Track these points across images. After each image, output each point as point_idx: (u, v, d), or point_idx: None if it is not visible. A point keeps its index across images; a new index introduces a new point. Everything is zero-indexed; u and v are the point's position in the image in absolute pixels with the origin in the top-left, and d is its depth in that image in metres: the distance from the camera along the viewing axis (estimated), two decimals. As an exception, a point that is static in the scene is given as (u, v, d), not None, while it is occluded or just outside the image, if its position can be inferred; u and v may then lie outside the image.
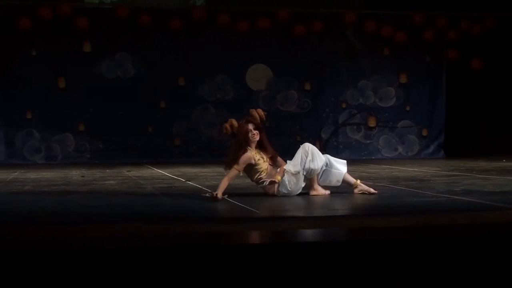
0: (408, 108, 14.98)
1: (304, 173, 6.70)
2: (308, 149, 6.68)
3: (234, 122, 6.83)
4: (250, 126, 6.75)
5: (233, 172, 6.70)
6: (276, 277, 3.91)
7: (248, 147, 6.77)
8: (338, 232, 4.89)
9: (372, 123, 14.86)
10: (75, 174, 10.28)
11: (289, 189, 6.73)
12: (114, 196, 7.21)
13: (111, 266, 3.83)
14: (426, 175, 9.52)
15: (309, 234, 4.76)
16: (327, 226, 4.99)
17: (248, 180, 7.91)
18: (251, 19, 14.04)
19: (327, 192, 6.85)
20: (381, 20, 14.53)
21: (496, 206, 5.78)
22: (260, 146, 6.85)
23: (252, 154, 6.73)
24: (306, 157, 6.64)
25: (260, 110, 6.88)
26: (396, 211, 5.79)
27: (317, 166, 6.64)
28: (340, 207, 6.28)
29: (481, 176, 9.05)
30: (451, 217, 5.26)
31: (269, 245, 4.35)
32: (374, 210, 6.13)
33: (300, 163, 6.65)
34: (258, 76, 14.48)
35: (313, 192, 6.80)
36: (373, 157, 14.66)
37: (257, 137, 6.78)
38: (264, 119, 6.89)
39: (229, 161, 6.78)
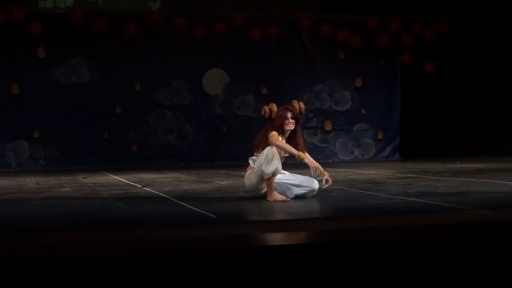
0: (363, 112, 15.13)
1: (258, 172, 6.73)
2: (268, 152, 6.70)
3: (274, 107, 6.91)
4: (289, 114, 6.84)
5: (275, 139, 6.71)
6: (234, 282, 3.93)
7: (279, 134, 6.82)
8: (296, 235, 4.92)
9: (328, 126, 14.98)
10: (30, 182, 10.17)
11: (248, 183, 6.81)
12: (70, 203, 7.15)
13: (69, 273, 3.81)
14: (382, 177, 9.63)
15: (267, 238, 4.79)
16: (285, 230, 5.02)
17: (205, 185, 7.92)
18: (207, 24, 14.05)
19: (286, 198, 6.82)
20: (336, 25, 14.66)
21: (449, 207, 5.87)
22: (290, 137, 6.91)
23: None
24: (263, 159, 6.68)
25: (302, 103, 6.97)
26: (352, 214, 5.86)
27: (267, 170, 6.66)
28: (297, 211, 6.32)
29: (435, 177, 9.18)
30: (406, 218, 5.34)
31: (226, 250, 4.36)
32: (331, 213, 6.18)
33: (258, 161, 6.70)
34: (214, 80, 14.50)
35: (268, 198, 6.78)
36: (330, 161, 14.77)
37: (292, 127, 6.85)
38: (303, 113, 7.02)
39: (257, 143, 6.84)
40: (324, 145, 15.01)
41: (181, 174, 11.29)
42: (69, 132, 13.68)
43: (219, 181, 9.48)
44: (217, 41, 14.23)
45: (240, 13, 14.20)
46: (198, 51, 14.21)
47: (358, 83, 15.11)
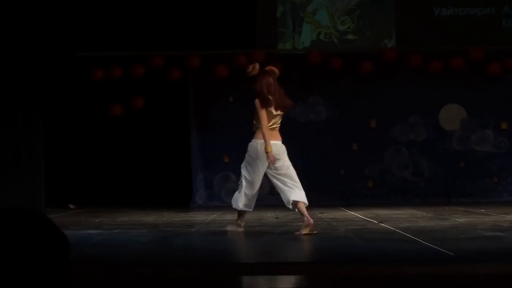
0: None
1: None
2: None
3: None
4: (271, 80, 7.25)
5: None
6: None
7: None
8: None
9: None
10: (270, 216, 10.57)
11: None
12: (308, 237, 7.37)
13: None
14: None
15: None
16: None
17: (442, 222, 7.77)
18: (443, 59, 13.81)
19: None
20: None
21: None
22: None
23: None
24: None
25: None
26: None
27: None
28: None
29: None
30: None
31: None
32: None
33: None
34: (451, 116, 14.19)
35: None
36: None
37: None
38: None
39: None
40: None
41: (417, 210, 11.16)
42: (307, 169, 13.98)
43: (456, 218, 9.26)
44: (454, 76, 13.94)
45: (478, 47, 13.81)
46: (433, 86, 14.00)
47: None
